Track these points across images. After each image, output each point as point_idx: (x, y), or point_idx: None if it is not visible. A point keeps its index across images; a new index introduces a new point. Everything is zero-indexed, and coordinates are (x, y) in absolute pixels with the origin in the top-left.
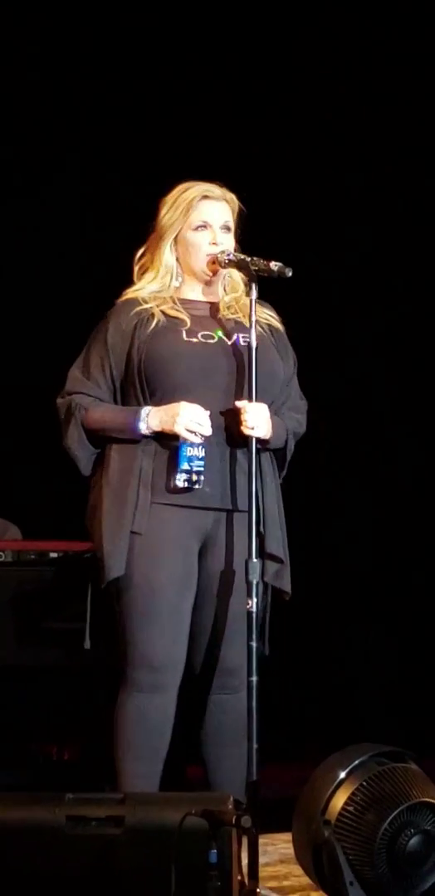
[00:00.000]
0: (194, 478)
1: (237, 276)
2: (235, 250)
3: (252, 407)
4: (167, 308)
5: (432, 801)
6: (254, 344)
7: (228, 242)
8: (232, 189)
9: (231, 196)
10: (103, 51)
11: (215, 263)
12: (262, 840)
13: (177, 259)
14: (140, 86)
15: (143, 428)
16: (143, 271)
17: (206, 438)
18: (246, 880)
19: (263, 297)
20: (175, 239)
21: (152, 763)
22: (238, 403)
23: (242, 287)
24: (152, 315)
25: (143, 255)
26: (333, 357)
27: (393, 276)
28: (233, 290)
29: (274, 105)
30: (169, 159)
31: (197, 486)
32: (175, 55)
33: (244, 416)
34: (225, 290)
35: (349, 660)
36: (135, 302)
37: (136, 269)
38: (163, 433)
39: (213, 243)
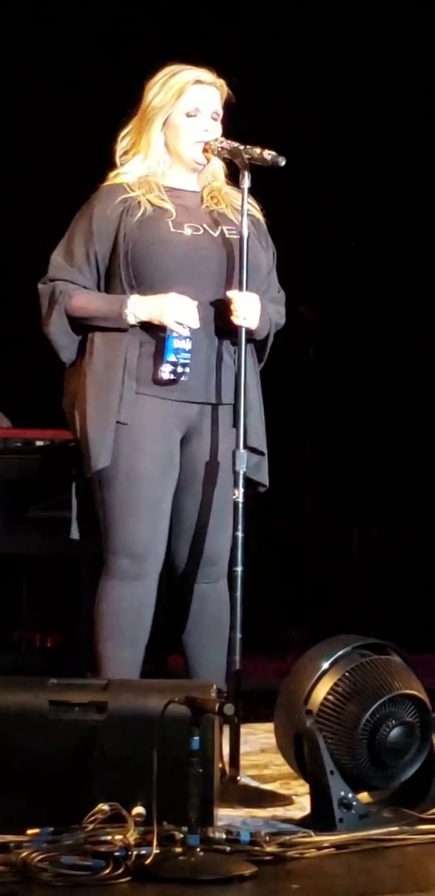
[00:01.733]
0: (180, 370)
1: (217, 164)
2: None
3: (243, 297)
4: (153, 197)
5: (414, 693)
6: (246, 234)
7: (217, 131)
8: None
9: (221, 82)
10: None
11: (207, 151)
12: (243, 729)
13: (165, 144)
14: None
15: (131, 317)
16: (126, 153)
17: (193, 331)
18: (227, 768)
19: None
20: (164, 123)
21: (133, 650)
22: (229, 294)
23: (222, 176)
24: (139, 203)
25: (126, 137)
26: (321, 251)
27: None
28: (214, 180)
29: None
30: (152, 41)
31: (183, 378)
32: None
33: (235, 307)
34: (207, 179)
35: (333, 552)
36: (121, 188)
37: (118, 150)
38: (149, 323)
39: (206, 130)
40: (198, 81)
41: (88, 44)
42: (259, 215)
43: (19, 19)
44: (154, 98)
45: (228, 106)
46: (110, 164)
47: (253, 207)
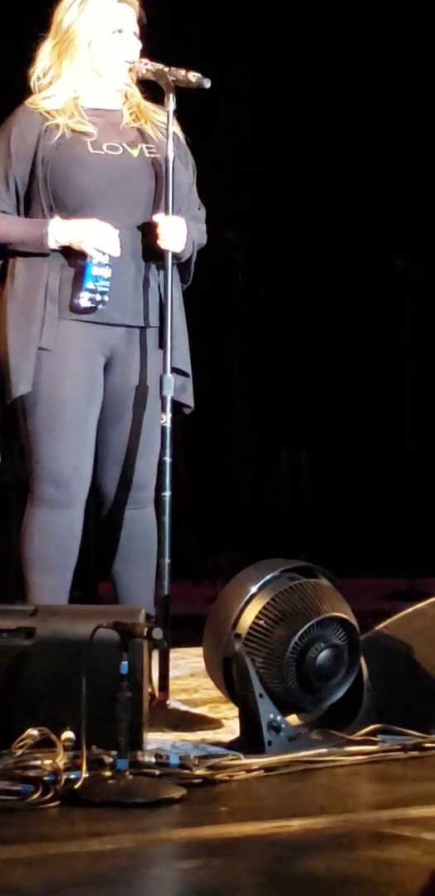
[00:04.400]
0: (98, 297)
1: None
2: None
3: (169, 220)
4: (73, 123)
5: (343, 615)
6: (171, 157)
7: (138, 48)
8: None
9: (135, 1)
10: None
11: (132, 71)
12: (172, 654)
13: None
14: None
15: (52, 242)
16: (44, 77)
17: (114, 257)
18: (156, 692)
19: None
20: (87, 44)
21: (60, 577)
22: (155, 217)
23: (138, 94)
24: (57, 126)
25: (43, 61)
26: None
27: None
28: (132, 97)
29: None
30: None
31: (101, 307)
32: None
33: (161, 230)
34: (125, 97)
35: (262, 475)
36: (36, 113)
37: (33, 75)
38: (70, 248)
39: (132, 50)
40: (120, 0)
41: None
42: (179, 132)
43: None
44: (75, 19)
45: (139, 25)
46: (21, 88)
47: (174, 124)
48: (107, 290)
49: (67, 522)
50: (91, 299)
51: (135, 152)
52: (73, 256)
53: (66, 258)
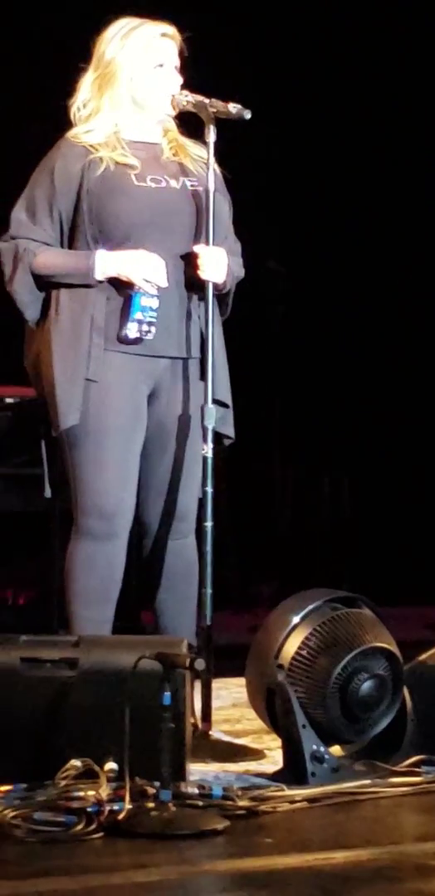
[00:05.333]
0: (145, 328)
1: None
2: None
3: (210, 251)
4: (116, 155)
5: (385, 645)
6: (212, 188)
7: (180, 82)
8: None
9: (177, 34)
10: None
11: (172, 103)
12: (215, 684)
13: (131, 98)
14: None
15: (98, 273)
16: (84, 109)
17: (160, 287)
18: (199, 723)
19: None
20: (130, 77)
21: (103, 609)
22: (196, 248)
23: (175, 127)
24: (101, 159)
25: (83, 93)
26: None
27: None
28: (170, 130)
29: None
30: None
31: (148, 337)
32: None
33: (202, 262)
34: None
35: (304, 505)
36: (79, 146)
37: (74, 107)
38: (117, 279)
39: (175, 83)
40: (163, 35)
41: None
42: (216, 166)
43: None
44: (117, 53)
45: (181, 58)
46: (64, 120)
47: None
48: (154, 320)
49: (111, 554)
50: (139, 330)
51: (177, 185)
52: (119, 287)
53: (112, 289)
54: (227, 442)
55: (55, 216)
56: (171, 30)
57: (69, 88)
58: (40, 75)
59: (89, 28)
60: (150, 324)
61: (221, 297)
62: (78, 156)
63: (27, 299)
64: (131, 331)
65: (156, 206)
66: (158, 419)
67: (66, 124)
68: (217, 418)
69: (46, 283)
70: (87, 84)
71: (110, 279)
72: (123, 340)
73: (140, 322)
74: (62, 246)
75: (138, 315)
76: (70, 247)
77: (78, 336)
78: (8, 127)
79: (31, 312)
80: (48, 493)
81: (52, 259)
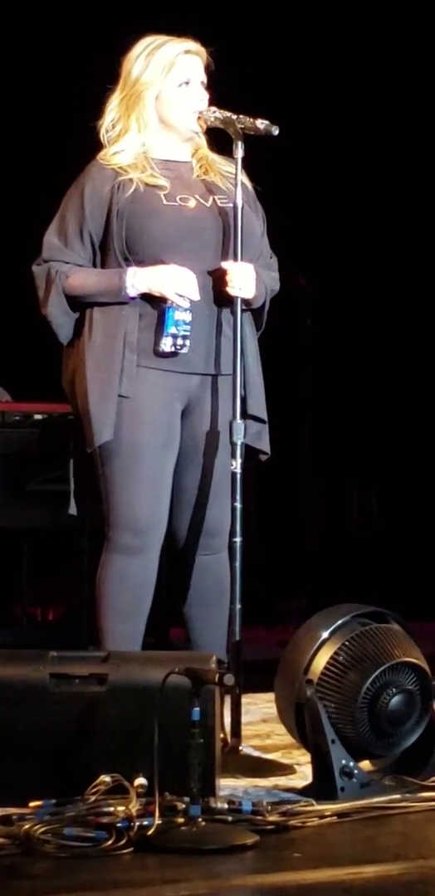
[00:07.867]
0: (180, 342)
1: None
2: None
3: (238, 267)
4: (146, 177)
5: (414, 660)
6: (240, 204)
7: (207, 98)
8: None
9: (203, 50)
10: None
11: (200, 120)
12: (244, 699)
13: (157, 117)
14: None
15: (131, 290)
16: (113, 129)
17: (193, 302)
18: (228, 738)
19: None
20: (156, 96)
21: (134, 623)
22: (224, 264)
23: (205, 145)
24: (130, 181)
25: (111, 113)
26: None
27: (383, 134)
28: (200, 147)
29: None
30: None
31: (183, 350)
32: None
33: (230, 277)
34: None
35: (333, 520)
36: (108, 168)
37: (103, 128)
38: (149, 295)
39: (200, 100)
40: (187, 52)
41: (65, 26)
42: (247, 181)
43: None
44: (143, 72)
45: (207, 73)
46: (93, 140)
47: (241, 174)
48: (188, 334)
49: (143, 569)
50: (173, 344)
51: (207, 203)
52: (152, 303)
53: (145, 306)
54: (263, 458)
55: (86, 238)
56: (195, 46)
57: (98, 110)
58: (73, 98)
59: (118, 48)
60: (184, 337)
61: (255, 311)
62: (107, 178)
63: (61, 321)
64: (166, 345)
65: (185, 226)
66: (191, 434)
67: (97, 145)
68: (253, 433)
69: (79, 304)
70: (114, 104)
71: (143, 295)
72: (159, 354)
73: (175, 336)
74: (94, 265)
75: (172, 329)
76: (102, 266)
77: (111, 353)
78: (41, 151)
79: (64, 333)
80: (73, 510)
81: (85, 279)
